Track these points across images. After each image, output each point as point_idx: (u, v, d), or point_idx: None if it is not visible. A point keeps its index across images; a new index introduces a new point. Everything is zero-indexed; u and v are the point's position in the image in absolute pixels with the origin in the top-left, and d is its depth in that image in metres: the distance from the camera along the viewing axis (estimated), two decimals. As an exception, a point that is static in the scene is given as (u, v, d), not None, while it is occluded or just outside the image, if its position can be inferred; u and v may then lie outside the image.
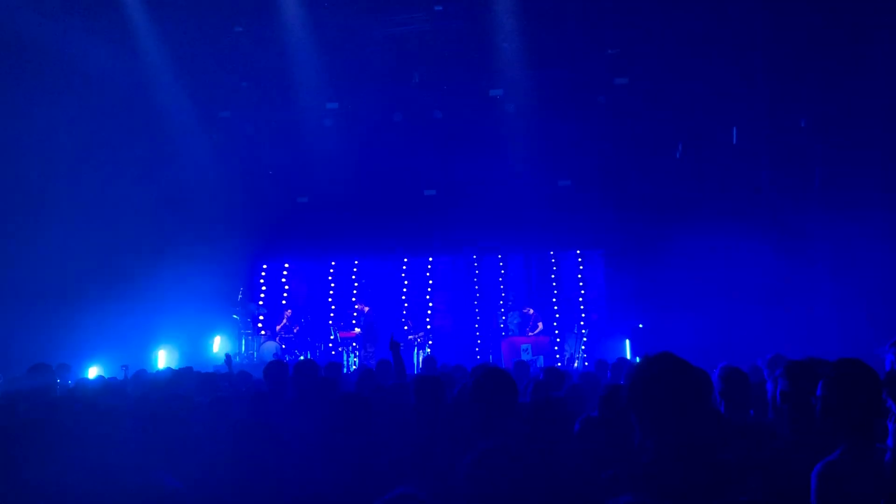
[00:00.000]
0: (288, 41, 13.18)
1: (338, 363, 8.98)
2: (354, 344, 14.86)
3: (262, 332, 15.72)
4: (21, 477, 2.65)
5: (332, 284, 16.98)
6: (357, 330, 14.75)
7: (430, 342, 14.92)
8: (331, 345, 15.77)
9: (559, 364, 13.87)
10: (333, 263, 16.97)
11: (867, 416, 2.63)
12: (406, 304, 16.37)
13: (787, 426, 3.19)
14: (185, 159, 14.70)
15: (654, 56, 13.02)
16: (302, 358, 14.66)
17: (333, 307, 16.72)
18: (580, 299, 15.88)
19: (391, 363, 7.73)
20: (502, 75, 14.23)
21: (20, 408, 4.57)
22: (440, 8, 12.65)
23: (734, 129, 12.94)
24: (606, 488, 2.35)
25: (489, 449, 2.29)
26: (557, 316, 15.44)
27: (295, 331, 15.45)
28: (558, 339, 15.33)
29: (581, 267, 16.02)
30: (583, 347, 15.02)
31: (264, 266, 16.95)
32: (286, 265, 17.06)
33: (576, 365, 14.22)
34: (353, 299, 15.72)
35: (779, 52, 11.57)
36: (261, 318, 16.17)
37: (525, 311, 14.97)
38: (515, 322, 15.33)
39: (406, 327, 15.37)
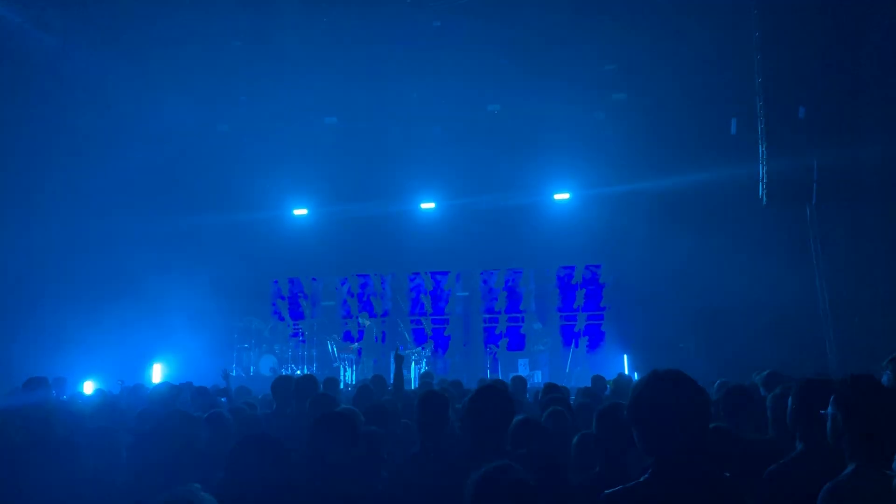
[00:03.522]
0: (286, 56, 13.25)
1: (335, 379, 8.94)
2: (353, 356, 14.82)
3: (248, 348, 15.59)
4: (24, 492, 2.64)
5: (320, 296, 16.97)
6: (356, 345, 14.71)
7: (427, 356, 14.87)
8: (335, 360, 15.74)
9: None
10: (322, 278, 16.97)
11: (880, 436, 2.51)
12: (407, 319, 16.34)
13: (800, 444, 3.14)
14: (184, 174, 14.76)
15: (652, 71, 13.11)
16: (299, 373, 14.61)
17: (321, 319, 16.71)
18: (579, 314, 15.87)
19: (384, 378, 7.72)
20: (500, 90, 14.32)
21: (17, 423, 4.54)
22: (438, 24, 12.74)
23: (733, 138, 12.97)
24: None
25: (491, 470, 2.27)
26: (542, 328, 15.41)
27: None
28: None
29: (578, 282, 16.03)
30: (587, 364, 14.99)
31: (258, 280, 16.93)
32: (276, 281, 17.04)
33: (572, 382, 14.18)
34: (360, 314, 15.69)
35: (777, 61, 11.57)
36: (261, 331, 16.11)
37: (536, 325, 14.96)
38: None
39: (400, 346, 15.32)
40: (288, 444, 3.17)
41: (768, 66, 11.32)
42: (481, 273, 16.46)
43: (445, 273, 16.63)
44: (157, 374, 13.94)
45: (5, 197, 11.96)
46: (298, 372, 14.66)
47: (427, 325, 16.39)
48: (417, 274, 16.69)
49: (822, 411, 2.73)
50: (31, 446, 2.96)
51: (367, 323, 14.69)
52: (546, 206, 15.44)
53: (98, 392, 7.91)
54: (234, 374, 13.63)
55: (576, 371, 14.76)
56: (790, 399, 3.24)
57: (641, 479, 2.32)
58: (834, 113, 10.94)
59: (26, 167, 12.21)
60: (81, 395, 8.65)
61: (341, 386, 10.83)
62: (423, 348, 14.93)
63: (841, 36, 10.81)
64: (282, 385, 5.73)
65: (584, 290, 15.97)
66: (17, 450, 2.90)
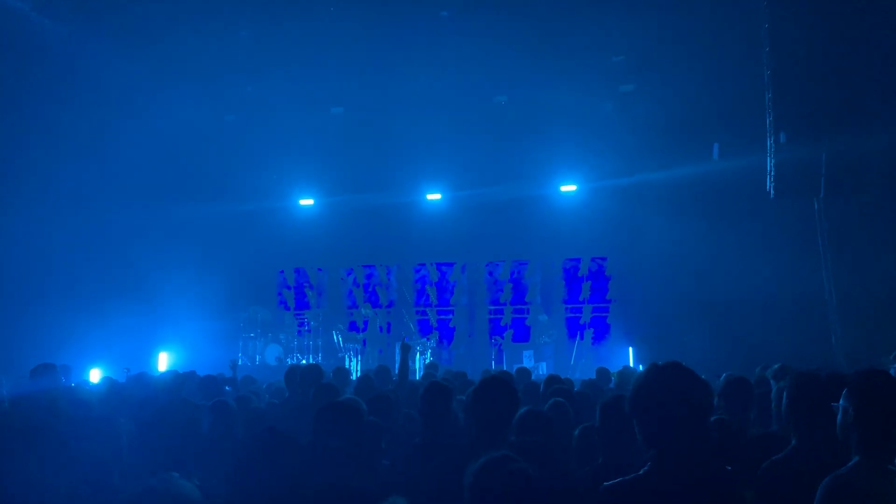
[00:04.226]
0: (293, 46, 13.22)
1: (345, 369, 8.97)
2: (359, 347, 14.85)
3: (254, 337, 15.63)
4: (25, 481, 2.65)
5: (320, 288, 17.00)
6: (361, 335, 14.74)
7: (432, 348, 14.88)
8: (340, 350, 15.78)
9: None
10: (328, 269, 16.98)
11: (890, 431, 2.50)
12: (412, 310, 16.36)
13: (794, 437, 3.13)
14: (190, 164, 14.79)
15: (660, 63, 13.04)
16: (304, 362, 14.66)
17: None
18: (584, 306, 15.85)
19: (388, 369, 7.74)
20: (507, 81, 14.28)
21: (25, 409, 4.57)
22: (446, 13, 12.68)
23: (741, 130, 12.89)
24: (606, 498, 2.34)
25: (491, 460, 2.28)
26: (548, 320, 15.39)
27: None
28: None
29: (584, 274, 16.00)
30: (592, 357, 14.98)
31: (265, 270, 16.96)
32: (281, 271, 17.07)
33: (577, 374, 14.18)
34: (363, 304, 15.70)
35: (785, 53, 11.48)
36: (267, 320, 16.15)
37: (541, 317, 14.96)
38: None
39: (405, 337, 15.35)
40: (291, 433, 3.17)
41: (777, 57, 11.23)
42: (487, 264, 16.45)
43: (451, 264, 16.63)
44: (163, 362, 14.00)
45: (12, 187, 12.00)
46: (304, 362, 14.72)
47: (432, 316, 16.40)
48: (423, 265, 16.69)
49: (835, 404, 2.72)
50: (32, 432, 2.97)
51: (370, 313, 14.68)
52: (553, 198, 15.40)
53: (106, 379, 7.96)
54: (240, 363, 13.68)
55: (581, 363, 14.75)
56: (784, 393, 3.23)
57: (641, 471, 2.32)
58: (842, 106, 10.85)
59: (33, 157, 12.24)
60: (88, 382, 8.70)
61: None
62: (428, 339, 14.95)
63: (849, 28, 10.72)
64: (294, 374, 5.89)
65: (589, 283, 15.93)
66: (19, 437, 2.91)
